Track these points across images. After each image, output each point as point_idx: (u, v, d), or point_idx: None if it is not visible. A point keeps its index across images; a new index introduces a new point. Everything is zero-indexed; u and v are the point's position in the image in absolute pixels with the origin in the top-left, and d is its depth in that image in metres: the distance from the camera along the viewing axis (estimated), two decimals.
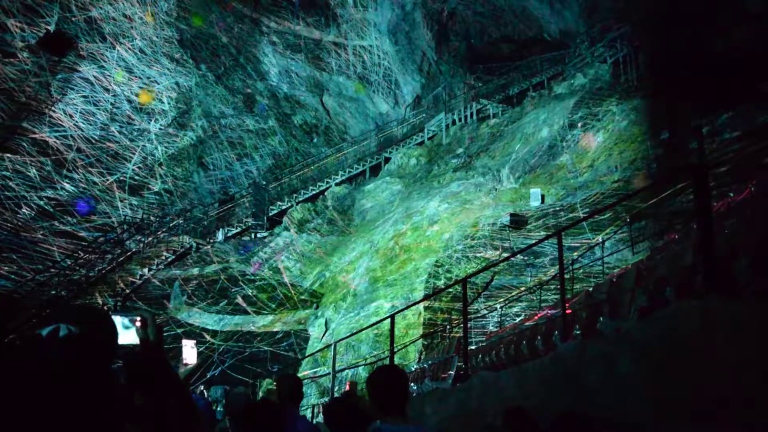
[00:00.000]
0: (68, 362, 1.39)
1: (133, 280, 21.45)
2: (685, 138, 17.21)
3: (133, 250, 23.04)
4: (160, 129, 26.29)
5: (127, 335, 2.01)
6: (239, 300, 20.09)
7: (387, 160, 30.59)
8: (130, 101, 25.22)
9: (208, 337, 18.57)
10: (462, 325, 7.68)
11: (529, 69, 32.15)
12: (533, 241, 17.29)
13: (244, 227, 26.61)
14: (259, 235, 25.91)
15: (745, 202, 8.78)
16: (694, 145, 17.13)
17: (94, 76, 24.17)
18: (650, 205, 14.53)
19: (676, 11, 21.10)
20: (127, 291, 20.74)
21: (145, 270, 22.00)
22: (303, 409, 12.34)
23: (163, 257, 23.10)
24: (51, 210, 21.83)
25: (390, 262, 19.49)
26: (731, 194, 11.30)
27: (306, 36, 31.27)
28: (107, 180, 23.89)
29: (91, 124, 23.83)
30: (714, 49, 17.83)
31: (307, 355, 17.03)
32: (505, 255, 15.98)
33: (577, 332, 6.03)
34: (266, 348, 18.14)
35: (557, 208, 18.82)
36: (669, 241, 11.98)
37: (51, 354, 1.40)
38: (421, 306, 15.87)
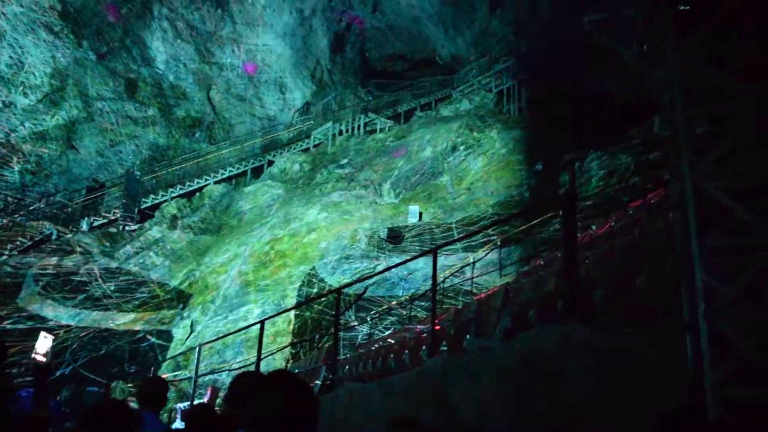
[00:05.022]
0: None
1: None
2: (557, 171, 18.25)
3: None
4: (28, 104, 24.43)
5: None
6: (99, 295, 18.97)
7: (270, 163, 30.15)
8: None
9: (61, 333, 17.35)
10: (332, 335, 7.65)
11: (419, 89, 32.91)
12: (407, 256, 17.59)
13: (112, 218, 25.24)
14: (127, 228, 24.64)
15: (606, 236, 9.38)
16: (564, 178, 18.21)
17: None
18: (520, 231, 15.28)
19: (558, 51, 22.41)
20: None
21: None
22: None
23: (18, 242, 21.47)
24: None
25: (264, 266, 19.15)
26: (593, 227, 12.08)
27: (199, 27, 30.27)
28: None
29: None
30: (590, 92, 19.09)
31: (169, 357, 16.33)
32: (380, 268, 16.16)
33: (444, 348, 6.16)
34: (125, 347, 17.20)
35: (433, 227, 19.31)
36: (535, 266, 12.61)
37: None
38: (291, 313, 15.70)
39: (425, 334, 7.13)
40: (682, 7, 5.83)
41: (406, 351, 7.11)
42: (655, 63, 6.20)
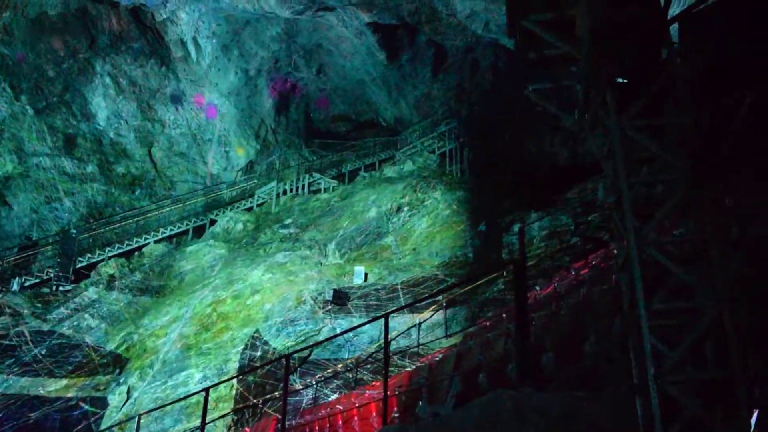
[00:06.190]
0: None
1: None
2: (500, 231, 18.61)
3: None
4: None
5: None
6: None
7: (213, 222, 29.70)
8: None
9: None
10: (279, 402, 7.43)
11: (363, 149, 33.29)
12: (353, 317, 17.41)
13: (45, 278, 24.26)
14: (61, 288, 23.68)
15: (550, 297, 9.55)
16: (506, 239, 18.57)
17: None
18: (465, 291, 15.40)
19: (499, 115, 23.20)
20: None
21: None
22: None
23: None
24: None
25: (206, 329, 18.61)
26: (537, 288, 12.28)
27: (142, 84, 30.06)
28: None
29: None
30: (530, 154, 19.73)
31: (104, 427, 15.48)
32: (326, 329, 15.97)
33: (396, 415, 6.06)
34: (56, 415, 16.22)
35: (379, 287, 19.25)
36: (480, 327, 12.66)
37: None
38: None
39: (375, 400, 7.02)
40: (620, 80, 6.14)
41: (356, 418, 6.97)
42: (596, 130, 6.47)
